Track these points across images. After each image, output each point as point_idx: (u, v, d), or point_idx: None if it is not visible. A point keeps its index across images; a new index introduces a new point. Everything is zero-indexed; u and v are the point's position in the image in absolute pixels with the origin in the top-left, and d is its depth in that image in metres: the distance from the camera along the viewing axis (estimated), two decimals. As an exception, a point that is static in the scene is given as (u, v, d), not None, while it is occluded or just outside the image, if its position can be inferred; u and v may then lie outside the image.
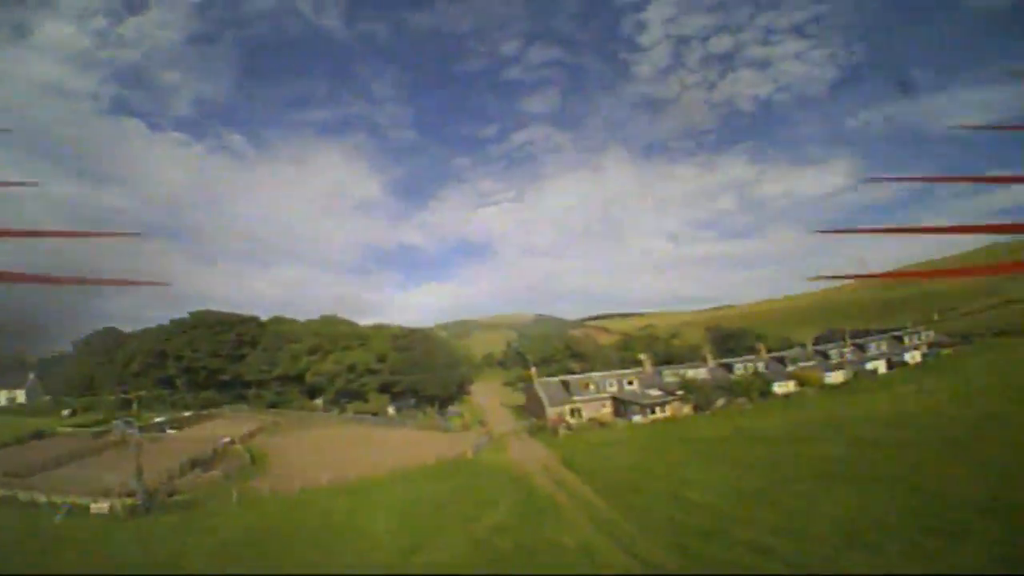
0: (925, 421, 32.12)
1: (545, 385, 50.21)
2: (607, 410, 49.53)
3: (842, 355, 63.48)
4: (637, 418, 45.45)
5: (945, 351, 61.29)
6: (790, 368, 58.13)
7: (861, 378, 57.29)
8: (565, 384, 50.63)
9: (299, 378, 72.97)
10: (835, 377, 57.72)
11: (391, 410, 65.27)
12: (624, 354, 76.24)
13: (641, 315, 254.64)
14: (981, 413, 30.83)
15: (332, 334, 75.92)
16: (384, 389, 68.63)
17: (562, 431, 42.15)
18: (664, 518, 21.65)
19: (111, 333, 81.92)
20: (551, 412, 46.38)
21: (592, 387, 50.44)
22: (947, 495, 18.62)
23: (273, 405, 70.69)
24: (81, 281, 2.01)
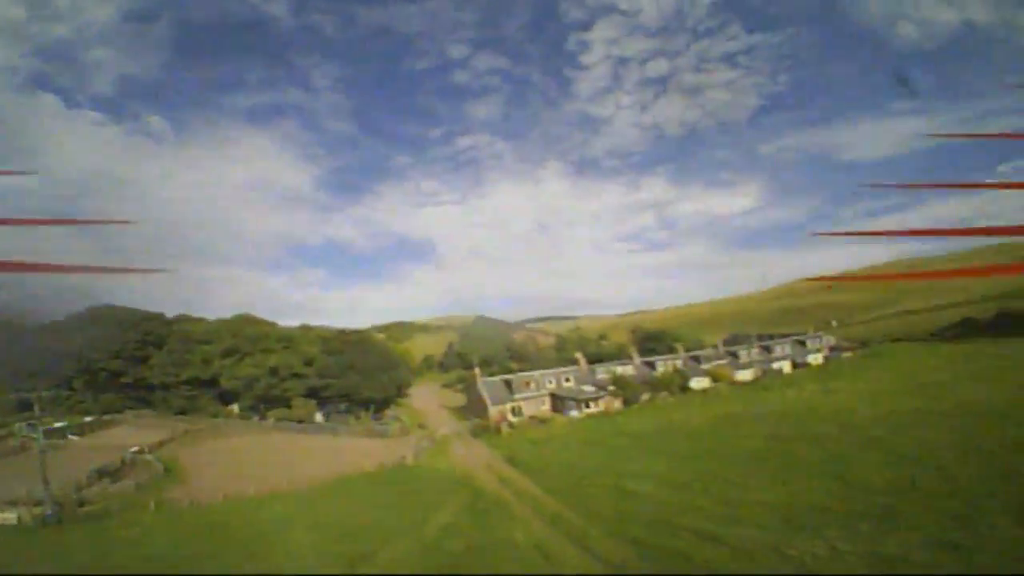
0: (836, 416, 35.23)
1: (488, 385, 49.87)
2: (546, 407, 50.28)
3: (750, 355, 68.94)
4: (574, 413, 46.54)
5: (845, 354, 68.48)
6: (704, 366, 62.27)
7: (769, 376, 62.57)
8: (507, 383, 50.70)
9: (212, 382, 66.67)
10: (745, 375, 62.69)
11: (319, 416, 61.21)
12: (561, 354, 77.91)
13: (572, 318, 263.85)
14: (887, 410, 34.17)
15: (250, 335, 70.04)
16: (311, 394, 64.37)
17: (504, 429, 42.01)
18: (610, 510, 21.95)
19: (5, 328, 70.38)
20: (493, 411, 46.04)
21: (533, 385, 50.98)
22: (869, 482, 20.34)
23: (182, 411, 64.09)
24: (77, 269, 1.93)
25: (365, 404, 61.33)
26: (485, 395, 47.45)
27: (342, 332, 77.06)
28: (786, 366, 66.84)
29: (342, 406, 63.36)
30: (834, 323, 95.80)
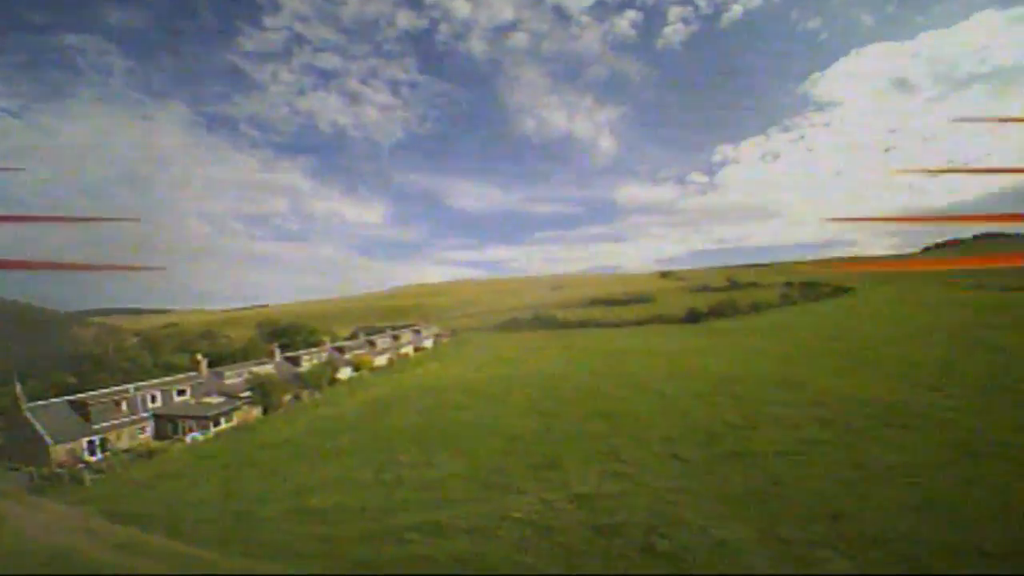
0: (460, 385, 40.64)
1: (42, 412, 29.70)
2: (147, 434, 34.89)
3: (384, 343, 72.41)
4: (196, 436, 34.36)
5: (445, 340, 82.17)
6: (347, 356, 60.83)
7: (400, 360, 67.32)
8: (78, 406, 31.52)
9: None
10: (381, 360, 65.25)
11: None
12: (158, 358, 55.46)
13: (159, 312, 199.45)
14: (489, 375, 41.86)
15: None
16: None
17: (87, 476, 25.93)
18: (305, 540, 17.11)
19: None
20: (59, 451, 27.65)
21: (126, 406, 34.11)
22: (520, 435, 23.65)
23: None
24: (77, 267, 1.81)
25: None
26: (40, 428, 28.04)
27: None
28: (411, 351, 73.80)
29: None
30: (433, 319, 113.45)
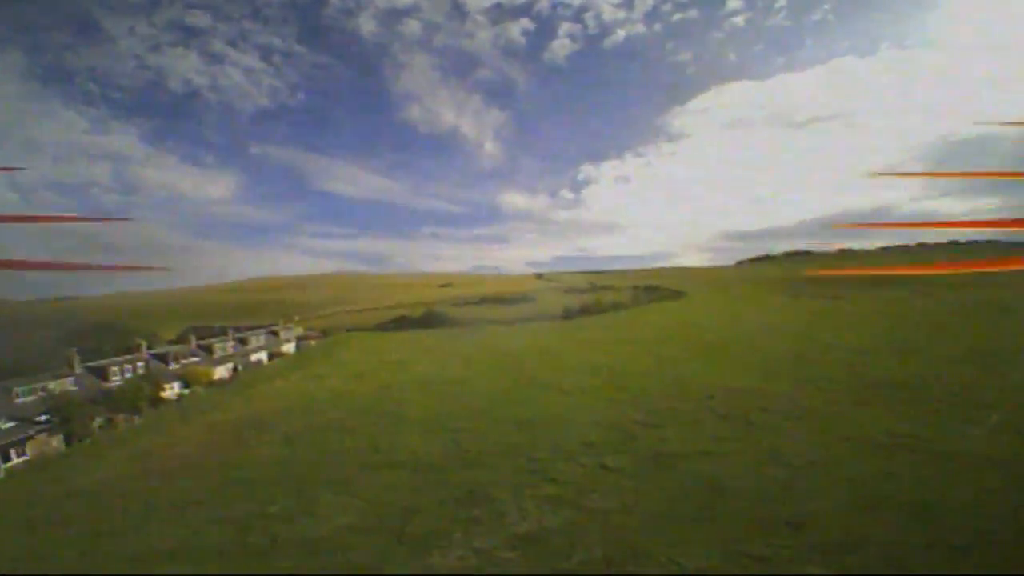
0: (337, 400, 34.31)
1: None
2: None
3: (226, 349, 59.85)
4: None
5: (312, 343, 71.00)
6: (174, 366, 48.39)
7: (248, 370, 55.76)
8: None
9: None
10: (222, 372, 53.48)
11: None
12: None
13: None
14: (375, 386, 36.26)
15: None
16: None
17: None
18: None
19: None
20: None
21: None
22: (430, 461, 19.77)
23: None
24: (84, 267, 1.73)
25: None
26: None
27: None
28: (264, 357, 62.27)
29: None
30: (296, 317, 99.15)
